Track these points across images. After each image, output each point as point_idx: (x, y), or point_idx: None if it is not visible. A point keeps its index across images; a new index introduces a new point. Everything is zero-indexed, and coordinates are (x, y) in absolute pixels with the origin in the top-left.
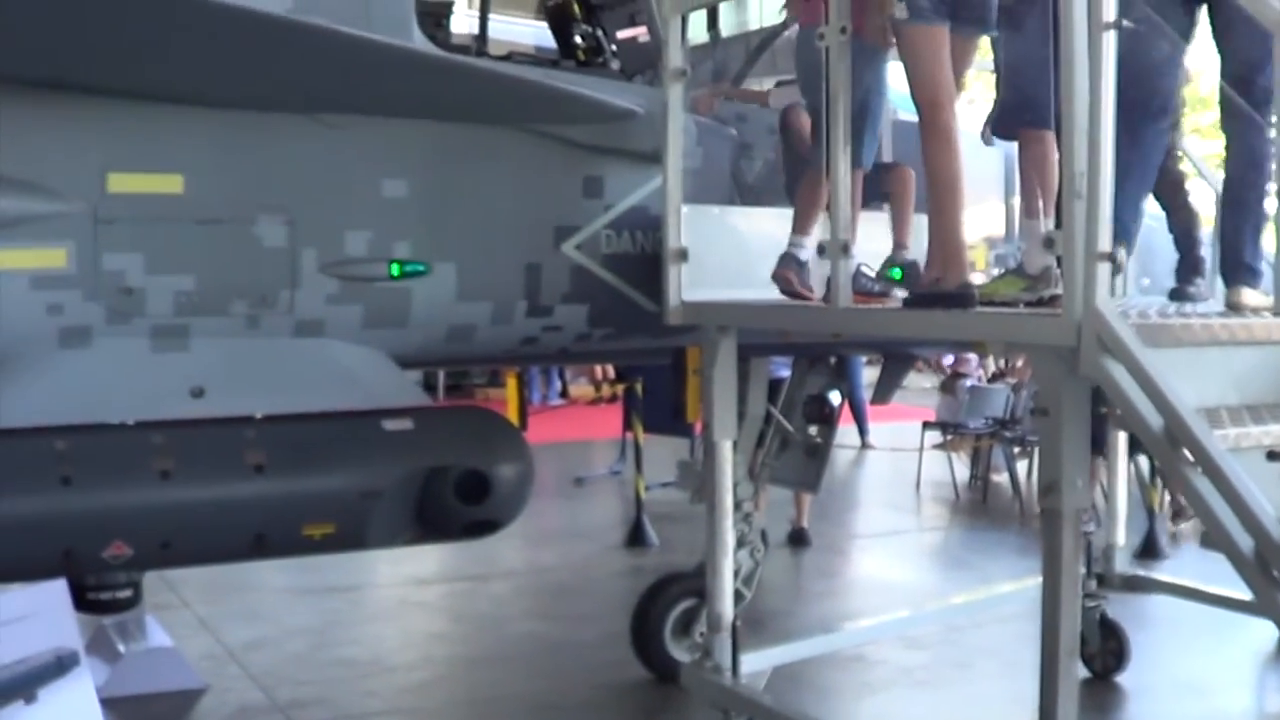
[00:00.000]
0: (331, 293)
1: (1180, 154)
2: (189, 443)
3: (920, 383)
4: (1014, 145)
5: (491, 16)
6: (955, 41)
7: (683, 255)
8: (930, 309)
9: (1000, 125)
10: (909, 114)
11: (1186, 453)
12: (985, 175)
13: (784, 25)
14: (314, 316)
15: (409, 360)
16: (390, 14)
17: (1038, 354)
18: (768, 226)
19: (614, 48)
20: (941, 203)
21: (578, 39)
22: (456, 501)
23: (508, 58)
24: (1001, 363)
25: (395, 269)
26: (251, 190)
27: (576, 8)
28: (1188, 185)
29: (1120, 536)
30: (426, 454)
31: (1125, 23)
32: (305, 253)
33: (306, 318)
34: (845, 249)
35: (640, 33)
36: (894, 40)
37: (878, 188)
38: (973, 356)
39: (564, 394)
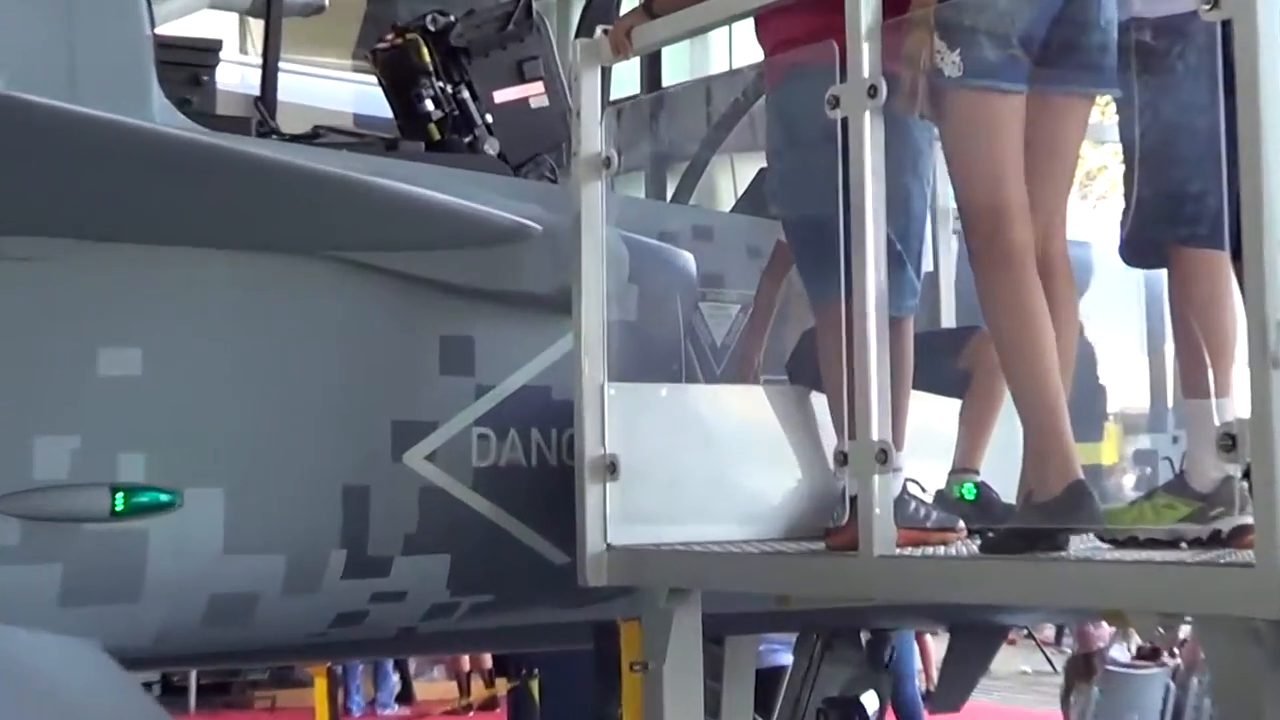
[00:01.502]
0: (7, 543)
1: None
2: None
3: (1014, 662)
4: (1161, 273)
5: (287, 65)
6: (1049, 105)
7: (610, 469)
8: (1021, 555)
9: (1136, 241)
10: None
11: None
12: (1117, 314)
13: (758, 82)
14: None
15: (143, 656)
16: (112, 66)
17: (1215, 631)
18: (751, 416)
19: (490, 118)
20: (1016, 374)
21: (428, 103)
22: None
23: (312, 136)
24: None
25: (119, 501)
26: None
27: (426, 51)
28: None
29: None
30: None
31: None
32: None
33: None
34: (882, 457)
35: (533, 93)
36: (933, 110)
37: (940, 356)
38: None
39: (405, 697)
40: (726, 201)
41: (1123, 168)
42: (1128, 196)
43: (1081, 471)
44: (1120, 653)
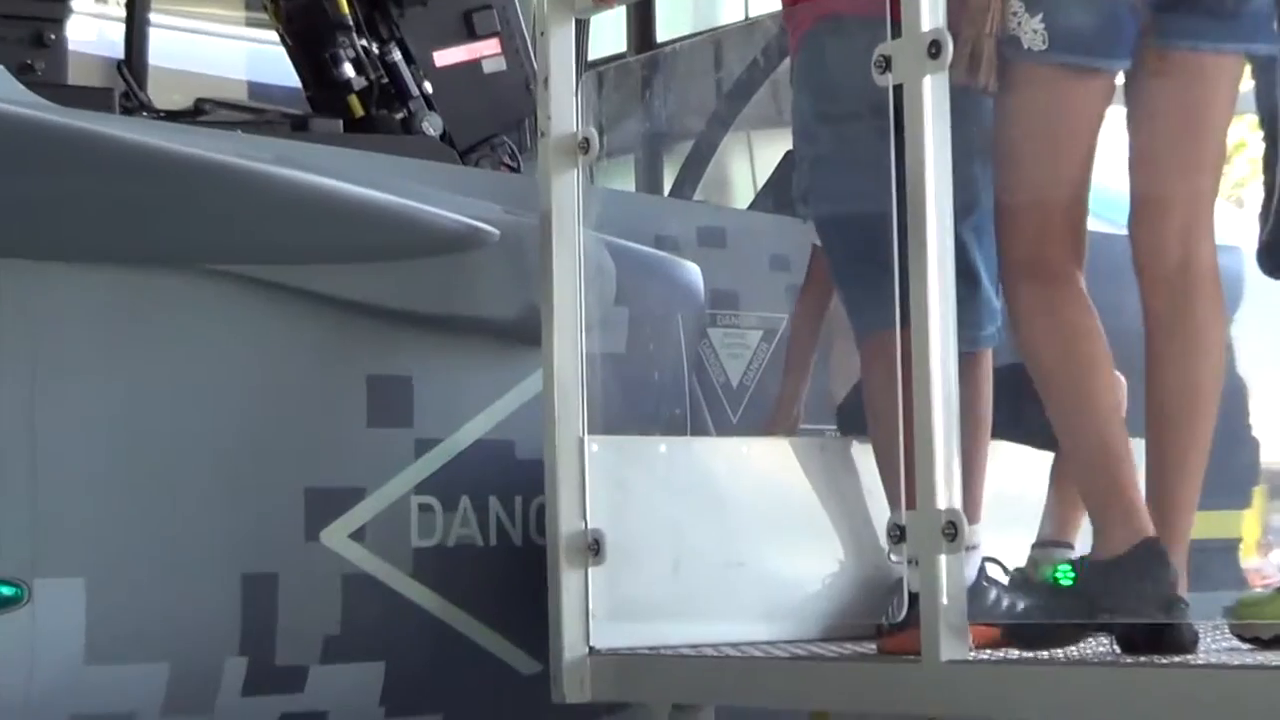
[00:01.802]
0: None
1: None
2: None
3: None
4: None
5: (160, 19)
6: (1183, 66)
7: (593, 549)
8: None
9: (1275, 251)
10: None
11: None
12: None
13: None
14: None
15: None
16: None
17: None
18: (778, 478)
19: (429, 87)
20: (1064, 420)
21: (348, 68)
22: None
23: (195, 113)
24: None
25: None
26: None
27: (343, 1)
28: None
29: None
30: None
31: None
32: None
33: None
34: (950, 531)
35: (486, 53)
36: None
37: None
38: None
39: None
40: (743, 195)
41: (1263, 146)
42: (1269, 186)
43: (1153, 527)
44: None
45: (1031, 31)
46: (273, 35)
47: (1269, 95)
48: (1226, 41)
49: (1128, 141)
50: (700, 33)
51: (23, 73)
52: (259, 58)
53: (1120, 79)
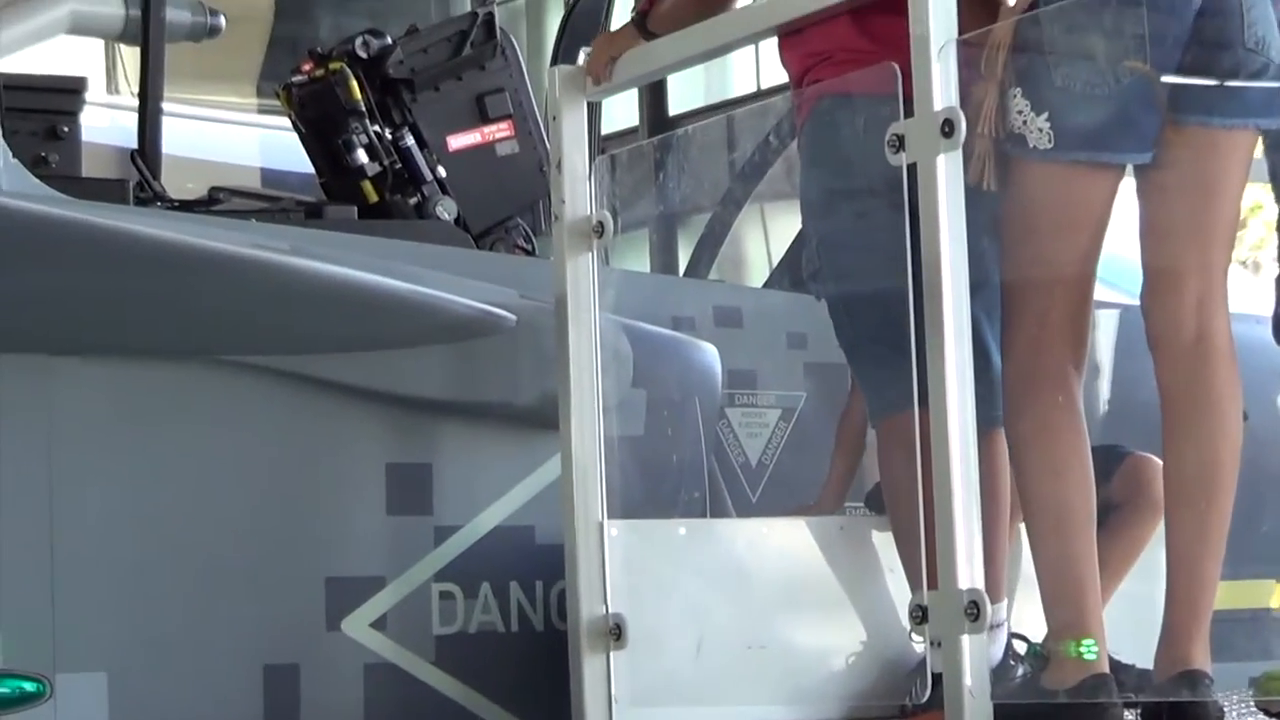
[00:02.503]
0: None
1: None
2: None
3: None
4: None
5: (172, 107)
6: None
7: (615, 633)
8: None
9: None
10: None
11: None
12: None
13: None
14: None
15: None
16: None
17: None
18: (799, 559)
19: (443, 171)
20: (1038, 531)
21: (361, 154)
22: None
23: (209, 202)
24: None
25: None
26: None
27: (355, 85)
28: None
29: None
30: None
31: None
32: None
33: None
34: (973, 611)
35: (498, 136)
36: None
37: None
38: None
39: None
40: (758, 269)
41: (1277, 214)
42: None
43: (1108, 663)
44: None
45: (1037, 130)
46: (285, 121)
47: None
48: (1238, 117)
49: (1139, 214)
50: (712, 106)
51: (37, 165)
52: (271, 144)
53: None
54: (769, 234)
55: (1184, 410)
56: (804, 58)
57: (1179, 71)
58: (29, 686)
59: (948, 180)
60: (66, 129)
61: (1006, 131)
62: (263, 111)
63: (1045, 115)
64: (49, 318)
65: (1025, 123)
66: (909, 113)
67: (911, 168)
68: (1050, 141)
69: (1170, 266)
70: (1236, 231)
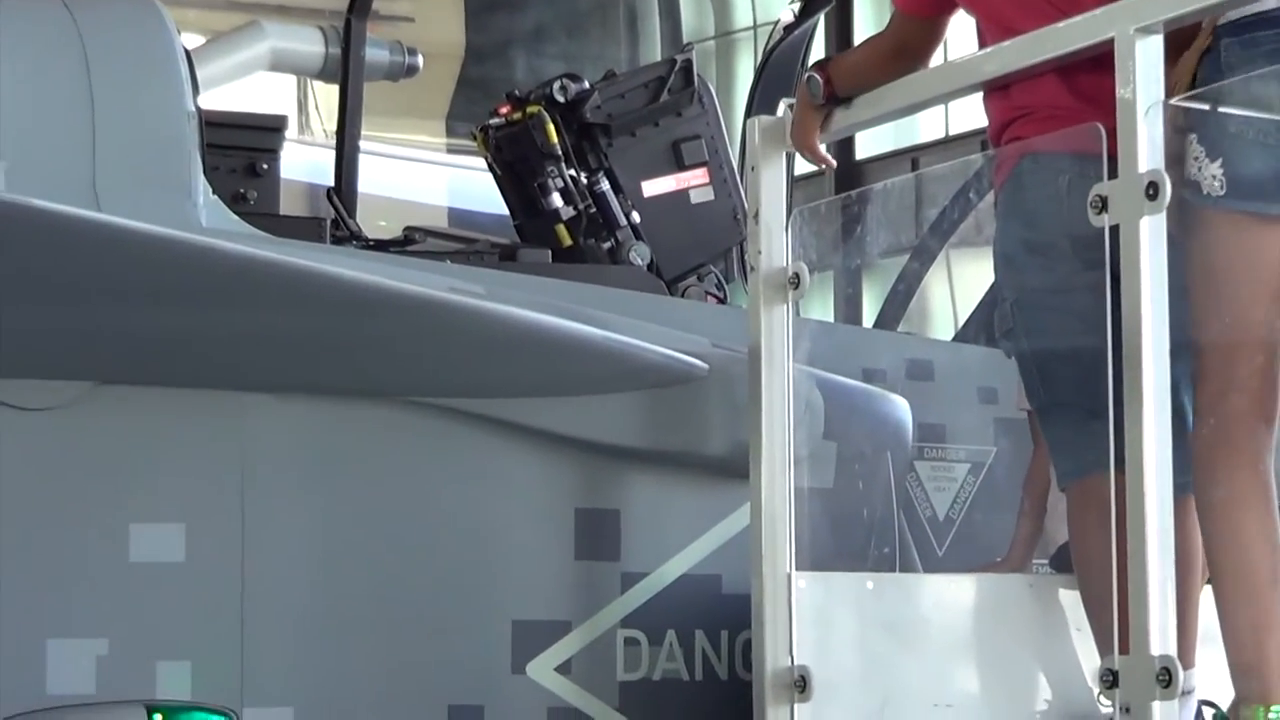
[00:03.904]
0: None
1: None
2: None
3: None
4: None
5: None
6: None
7: (800, 685)
8: None
9: None
10: None
11: None
12: None
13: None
14: None
15: None
16: (143, 153)
17: None
18: (987, 617)
19: (637, 216)
20: (1225, 601)
21: (556, 198)
22: None
23: (405, 242)
24: None
25: None
26: None
27: (552, 129)
28: None
29: None
30: None
31: None
32: None
33: None
34: (1165, 677)
35: (694, 183)
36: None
37: None
38: None
39: None
40: (942, 322)
41: None
42: None
43: None
44: None
45: (1210, 177)
46: (473, 161)
47: None
48: None
49: None
50: (900, 151)
51: (236, 202)
52: (460, 183)
53: None
54: (955, 284)
55: None
56: (1007, 110)
57: None
58: (216, 719)
59: (1151, 243)
60: (266, 166)
61: (1183, 178)
62: (451, 151)
63: (1219, 162)
64: (245, 355)
65: (1200, 169)
66: (1113, 173)
67: (1114, 229)
68: (1223, 189)
69: None
70: None
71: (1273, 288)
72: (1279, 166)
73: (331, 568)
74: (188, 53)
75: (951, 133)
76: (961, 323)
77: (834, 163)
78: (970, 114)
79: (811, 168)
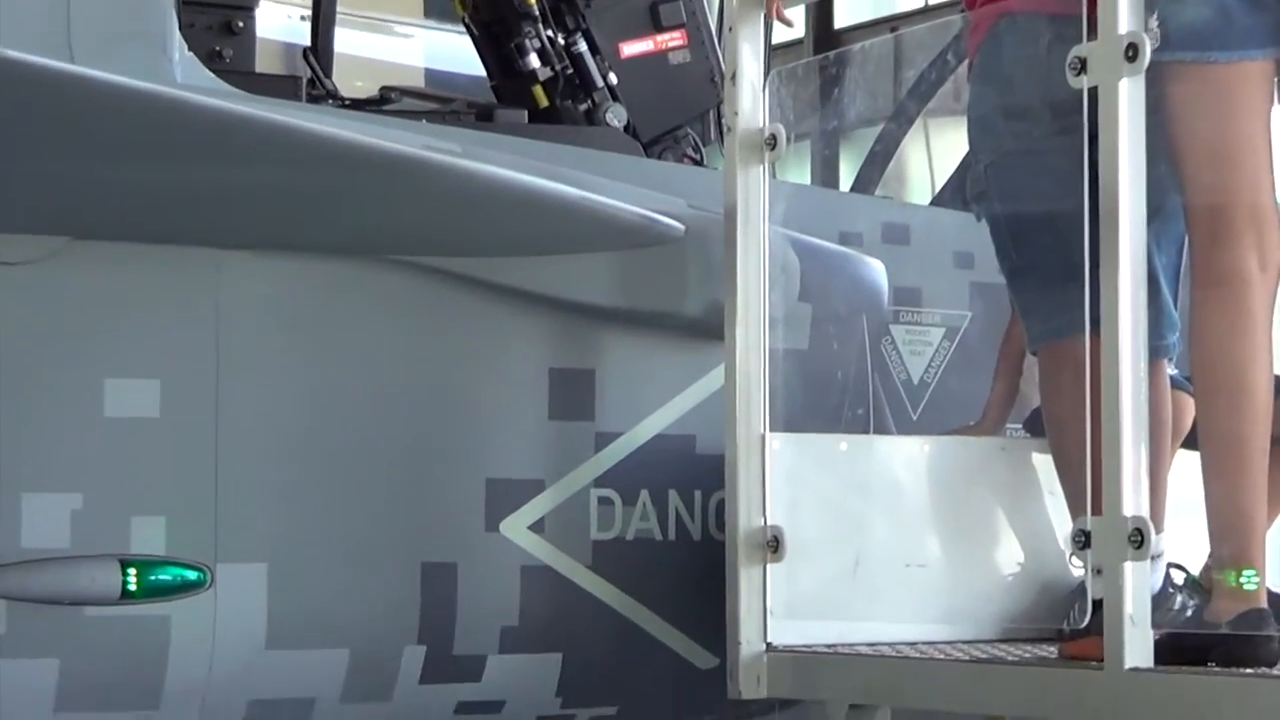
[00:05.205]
0: None
1: None
2: None
3: None
4: None
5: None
6: None
7: (773, 545)
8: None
9: None
10: None
11: None
12: None
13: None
14: None
15: None
16: (118, 10)
17: None
18: (959, 479)
19: (614, 78)
20: (1209, 431)
21: (533, 58)
22: None
23: (381, 101)
24: None
25: (132, 579)
26: None
27: None
28: None
29: None
30: None
31: None
32: None
33: None
34: (1137, 538)
35: (671, 44)
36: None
37: None
38: None
39: None
40: (920, 189)
41: None
42: None
43: (1266, 598)
44: None
45: (1149, 31)
46: (446, 25)
47: None
48: None
49: None
50: (879, 20)
51: (211, 60)
52: (436, 46)
53: None
54: (931, 149)
55: None
56: None
57: None
58: (190, 575)
59: (1130, 105)
60: (241, 24)
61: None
62: (428, 16)
63: (1155, 16)
64: (221, 212)
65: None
66: (1091, 34)
67: (1093, 91)
68: (1157, 41)
69: None
70: None
71: (1243, 130)
72: (1213, 12)
73: (306, 425)
74: None
75: (931, 1)
76: (938, 188)
77: (791, 21)
78: None
79: (790, 35)
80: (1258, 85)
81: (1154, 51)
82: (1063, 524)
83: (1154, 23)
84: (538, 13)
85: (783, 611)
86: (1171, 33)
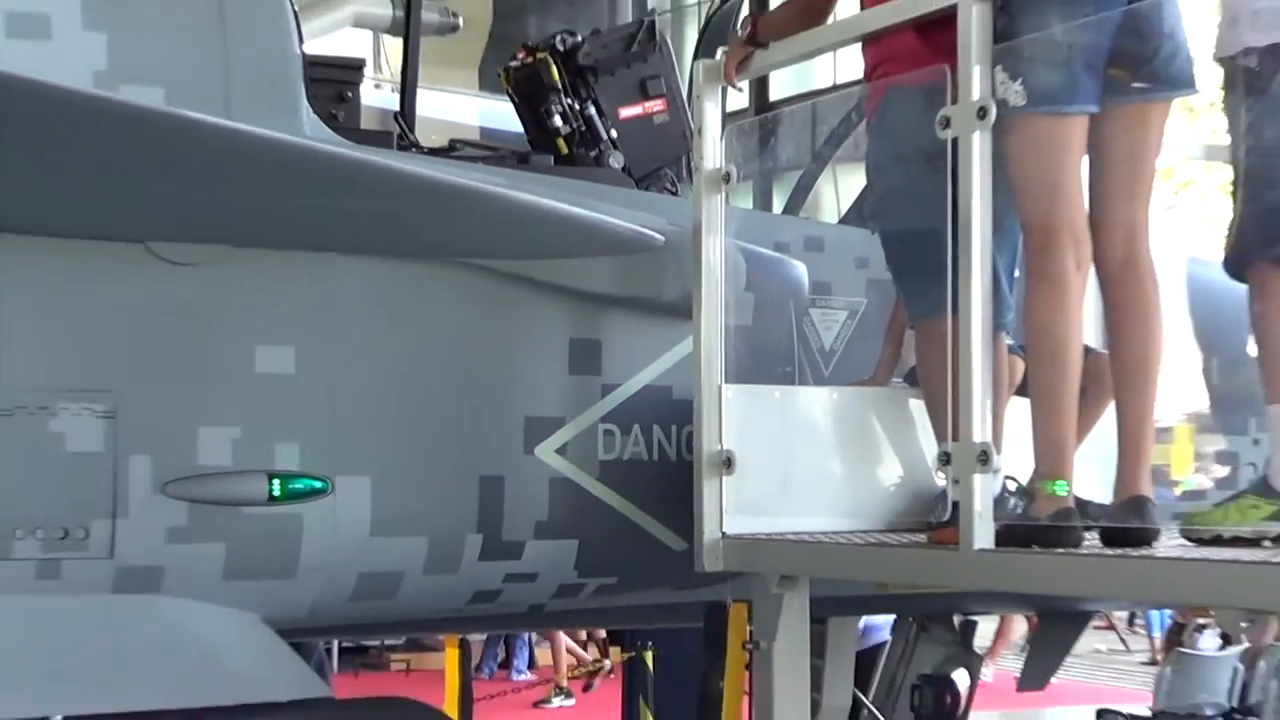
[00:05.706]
0: (176, 524)
1: None
2: None
3: (1093, 643)
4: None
5: (423, 86)
6: (1126, 116)
7: (727, 464)
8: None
9: (1235, 257)
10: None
11: None
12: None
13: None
14: (147, 561)
15: (297, 627)
16: (264, 83)
17: None
18: (858, 417)
19: (614, 133)
20: (1036, 388)
21: (558, 119)
22: None
23: (449, 150)
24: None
25: (276, 487)
26: (45, 362)
27: (555, 70)
28: None
29: None
30: None
31: None
32: (134, 461)
33: (135, 563)
34: (984, 457)
35: (655, 109)
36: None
37: None
38: None
39: (532, 663)
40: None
41: (1231, 186)
42: (1236, 213)
43: (1073, 500)
44: (1210, 639)
45: (1015, 93)
46: (497, 95)
47: (1233, 150)
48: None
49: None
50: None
51: (329, 120)
52: (488, 111)
53: None
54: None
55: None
56: (878, 55)
57: (1114, 58)
58: (317, 484)
59: (981, 151)
60: (350, 94)
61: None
62: (482, 89)
63: (1020, 81)
64: (337, 227)
65: (1006, 90)
66: (954, 100)
67: (954, 141)
68: (1023, 99)
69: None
70: (1153, 180)
71: (1069, 166)
72: (1066, 76)
73: (397, 378)
74: (294, 9)
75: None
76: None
77: (741, 87)
78: (854, 67)
79: (740, 104)
80: (1075, 133)
81: (1021, 109)
82: (931, 448)
83: (1018, 86)
84: (560, 86)
85: (734, 510)
86: (1033, 93)
